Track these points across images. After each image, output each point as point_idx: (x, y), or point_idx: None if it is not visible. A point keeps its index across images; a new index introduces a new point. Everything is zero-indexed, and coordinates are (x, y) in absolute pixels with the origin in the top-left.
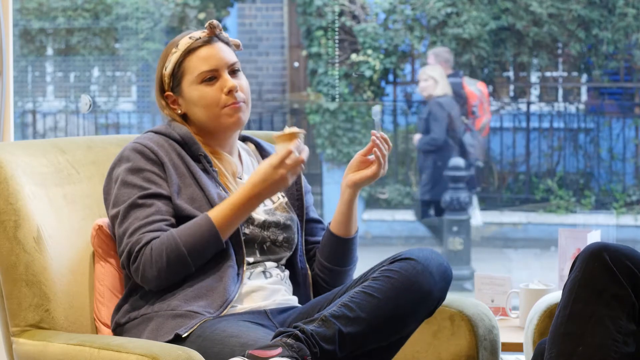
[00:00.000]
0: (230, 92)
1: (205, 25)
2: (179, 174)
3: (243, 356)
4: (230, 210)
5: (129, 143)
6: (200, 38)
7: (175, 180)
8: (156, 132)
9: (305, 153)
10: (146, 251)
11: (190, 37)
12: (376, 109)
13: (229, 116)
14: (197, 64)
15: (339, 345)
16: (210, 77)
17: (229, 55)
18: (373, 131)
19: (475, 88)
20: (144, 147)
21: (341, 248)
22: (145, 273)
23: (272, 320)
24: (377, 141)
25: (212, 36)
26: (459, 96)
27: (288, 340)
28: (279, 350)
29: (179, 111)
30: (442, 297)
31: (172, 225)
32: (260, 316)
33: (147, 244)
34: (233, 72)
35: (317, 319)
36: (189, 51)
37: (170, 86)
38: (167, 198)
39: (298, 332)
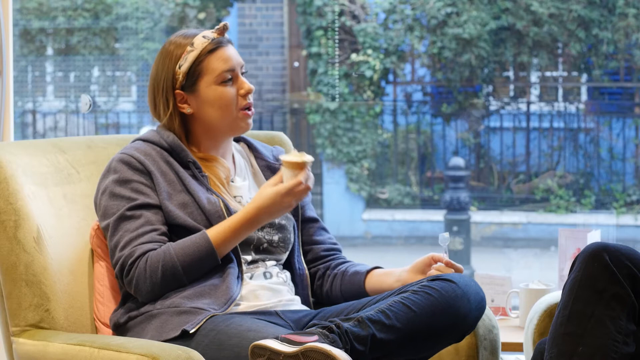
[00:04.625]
0: (247, 94)
1: (219, 26)
2: (168, 181)
3: (276, 339)
4: (230, 231)
5: (117, 153)
6: (213, 39)
7: (165, 187)
8: (144, 141)
9: (311, 181)
10: (140, 264)
11: (204, 37)
12: (444, 236)
13: (242, 120)
14: (217, 65)
15: (369, 348)
16: (229, 78)
17: (240, 57)
18: (446, 260)
19: None
20: (130, 158)
21: (364, 295)
22: (138, 286)
23: (286, 320)
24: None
25: (222, 36)
26: None
27: (324, 331)
28: (315, 337)
29: (189, 110)
30: (474, 326)
31: (164, 234)
32: (272, 316)
33: (141, 257)
34: (242, 73)
35: (353, 319)
36: (209, 51)
37: (183, 84)
38: (156, 207)
39: (334, 326)
